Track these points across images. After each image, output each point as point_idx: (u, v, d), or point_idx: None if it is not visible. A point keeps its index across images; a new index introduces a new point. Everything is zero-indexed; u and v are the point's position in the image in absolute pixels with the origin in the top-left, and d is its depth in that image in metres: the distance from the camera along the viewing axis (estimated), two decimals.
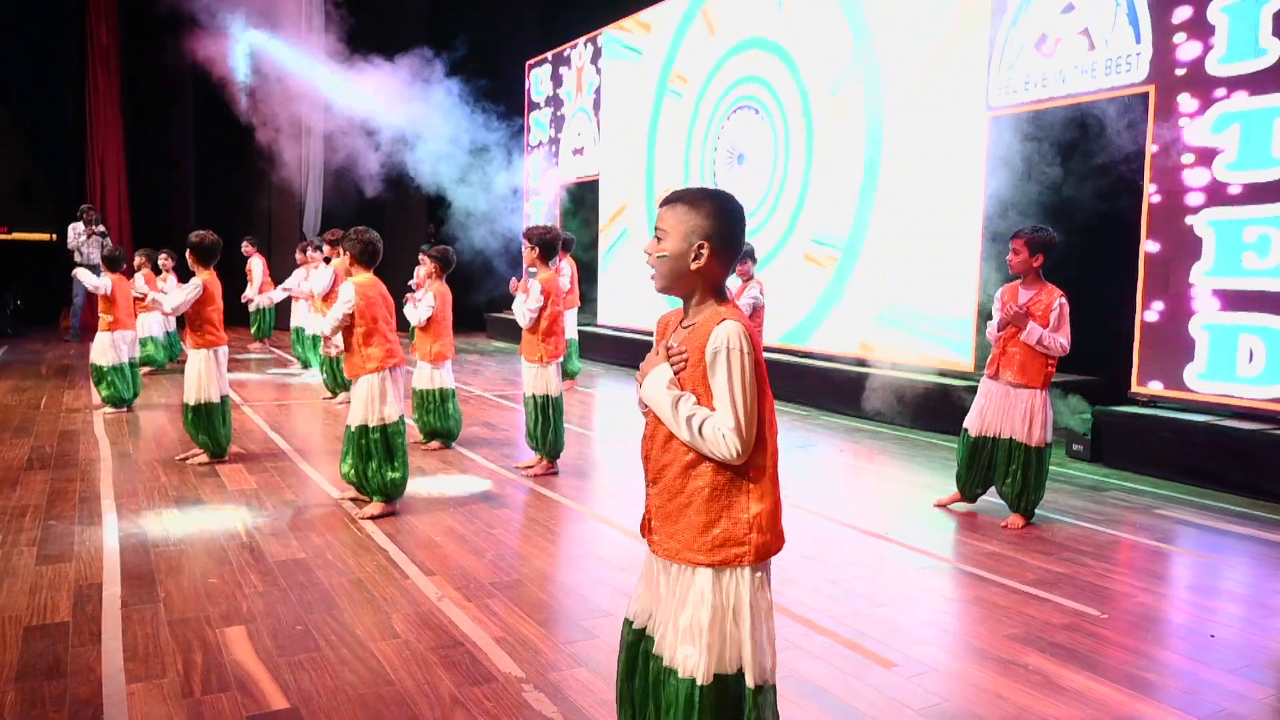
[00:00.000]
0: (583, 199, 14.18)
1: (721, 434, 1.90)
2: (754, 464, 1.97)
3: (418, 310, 6.47)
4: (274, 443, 6.69)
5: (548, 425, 5.85)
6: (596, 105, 13.38)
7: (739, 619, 1.98)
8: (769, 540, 2.00)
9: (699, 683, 1.97)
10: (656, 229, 2.04)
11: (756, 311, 6.38)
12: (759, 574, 2.01)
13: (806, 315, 9.46)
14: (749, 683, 1.99)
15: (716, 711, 1.98)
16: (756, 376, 1.94)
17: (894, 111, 8.43)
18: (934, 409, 7.65)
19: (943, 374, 7.86)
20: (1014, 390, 4.90)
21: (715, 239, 1.98)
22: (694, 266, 1.99)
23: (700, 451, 1.94)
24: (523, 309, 5.71)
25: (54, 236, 13.57)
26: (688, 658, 1.98)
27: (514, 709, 2.83)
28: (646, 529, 2.12)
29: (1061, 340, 4.74)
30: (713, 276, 2.02)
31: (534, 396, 5.84)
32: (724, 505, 1.97)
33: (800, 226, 9.58)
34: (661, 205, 2.06)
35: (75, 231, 12.48)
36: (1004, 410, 4.96)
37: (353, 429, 4.89)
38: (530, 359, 5.83)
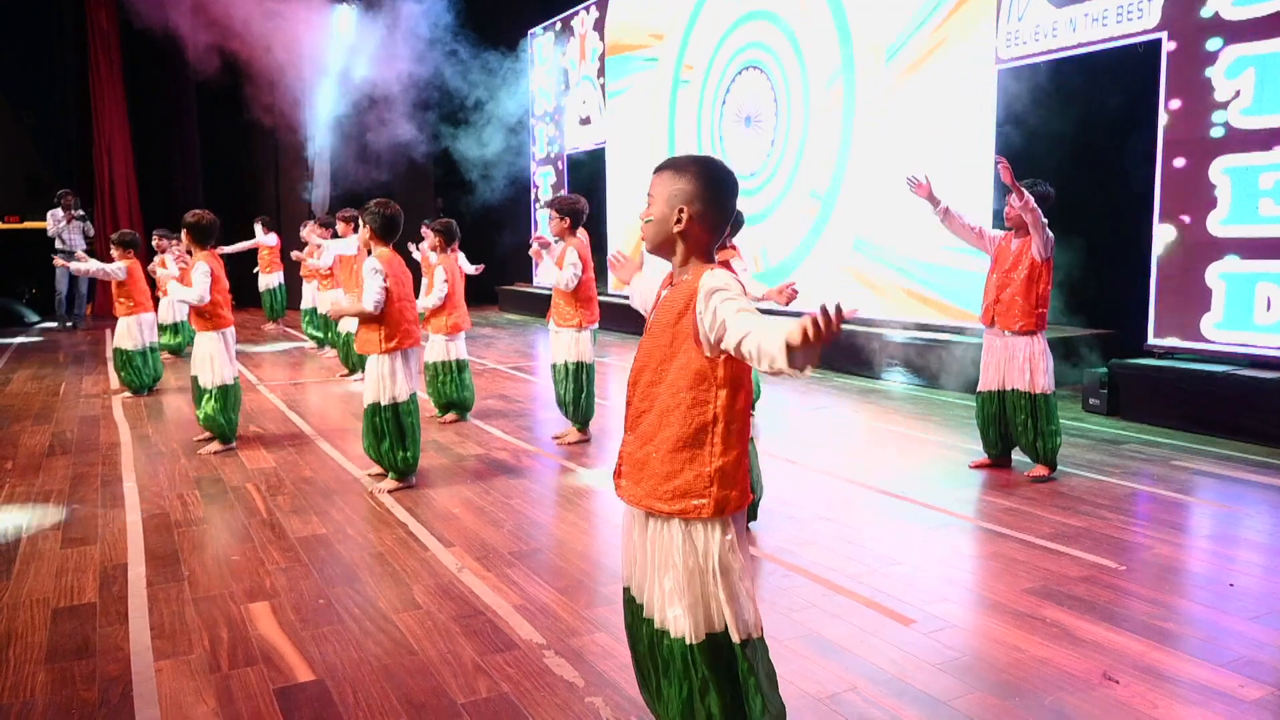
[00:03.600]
0: (589, 167, 14.09)
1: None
2: (727, 411, 1.99)
3: (431, 296, 6.41)
4: (291, 422, 6.74)
5: (580, 392, 5.87)
6: (601, 72, 13.27)
7: (715, 578, 2.02)
8: (730, 495, 2.01)
9: (689, 642, 2.02)
10: (648, 194, 2.10)
11: None
12: (729, 536, 2.03)
13: (812, 276, 9.42)
14: (734, 638, 2.03)
15: (712, 668, 2.03)
16: None
17: (901, 68, 8.32)
18: (945, 367, 7.62)
19: (954, 331, 7.83)
20: (1011, 339, 4.91)
21: (696, 203, 2.02)
22: (675, 230, 2.03)
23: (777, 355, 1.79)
24: (564, 274, 5.68)
25: None
26: (677, 619, 2.03)
27: (536, 674, 2.86)
28: (617, 474, 2.16)
29: (1046, 232, 4.72)
30: (697, 240, 2.05)
31: (565, 364, 5.85)
32: (688, 457, 1.99)
33: (797, 184, 9.52)
34: (653, 173, 2.11)
35: (54, 218, 12.37)
36: (1005, 361, 4.97)
37: (365, 407, 4.92)
38: (565, 324, 5.83)
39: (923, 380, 7.86)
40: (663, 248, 2.08)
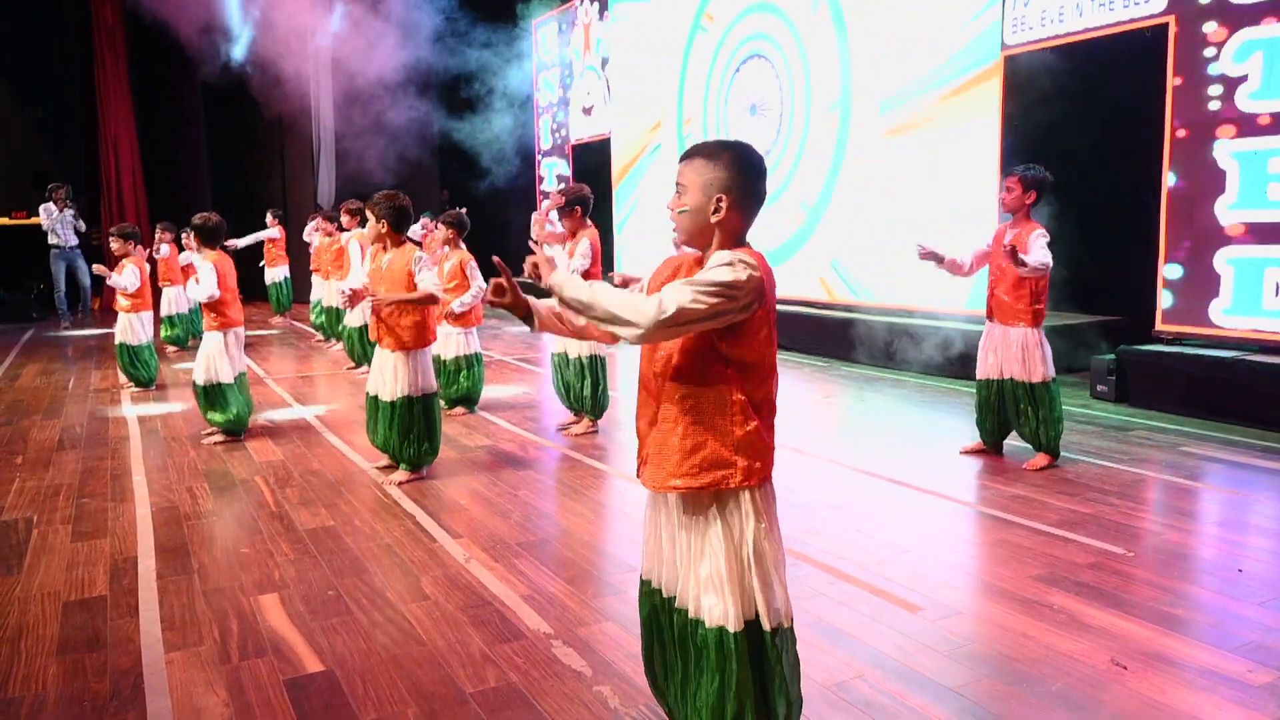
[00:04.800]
0: (594, 158, 14.06)
1: (650, 300, 1.85)
2: (743, 390, 1.98)
3: (471, 292, 6.33)
4: (299, 414, 6.76)
5: (596, 384, 5.90)
6: (604, 63, 13.23)
7: (750, 565, 2.01)
8: (755, 464, 1.99)
9: (730, 630, 2.00)
10: (677, 184, 2.05)
11: None
12: (763, 524, 2.02)
13: (819, 264, 9.40)
14: (765, 626, 2.02)
15: (750, 655, 2.02)
16: (736, 301, 1.89)
17: (906, 54, 8.28)
18: (952, 355, 7.59)
19: (961, 319, 7.80)
20: (1008, 331, 4.91)
21: (734, 190, 1.98)
22: (714, 220, 2.00)
23: (610, 319, 1.89)
24: (574, 263, 5.65)
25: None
26: (713, 607, 2.01)
27: (544, 663, 2.87)
28: (641, 465, 2.15)
29: (1037, 259, 4.65)
30: (732, 228, 2.02)
31: (579, 357, 5.88)
32: (708, 428, 1.98)
33: (796, 183, 9.49)
34: (681, 160, 2.06)
35: (47, 212, 12.25)
36: (1002, 351, 4.97)
37: (385, 400, 4.87)
38: None
39: (927, 368, 7.83)
40: (698, 238, 2.04)
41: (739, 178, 1.99)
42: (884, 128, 8.59)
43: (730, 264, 1.90)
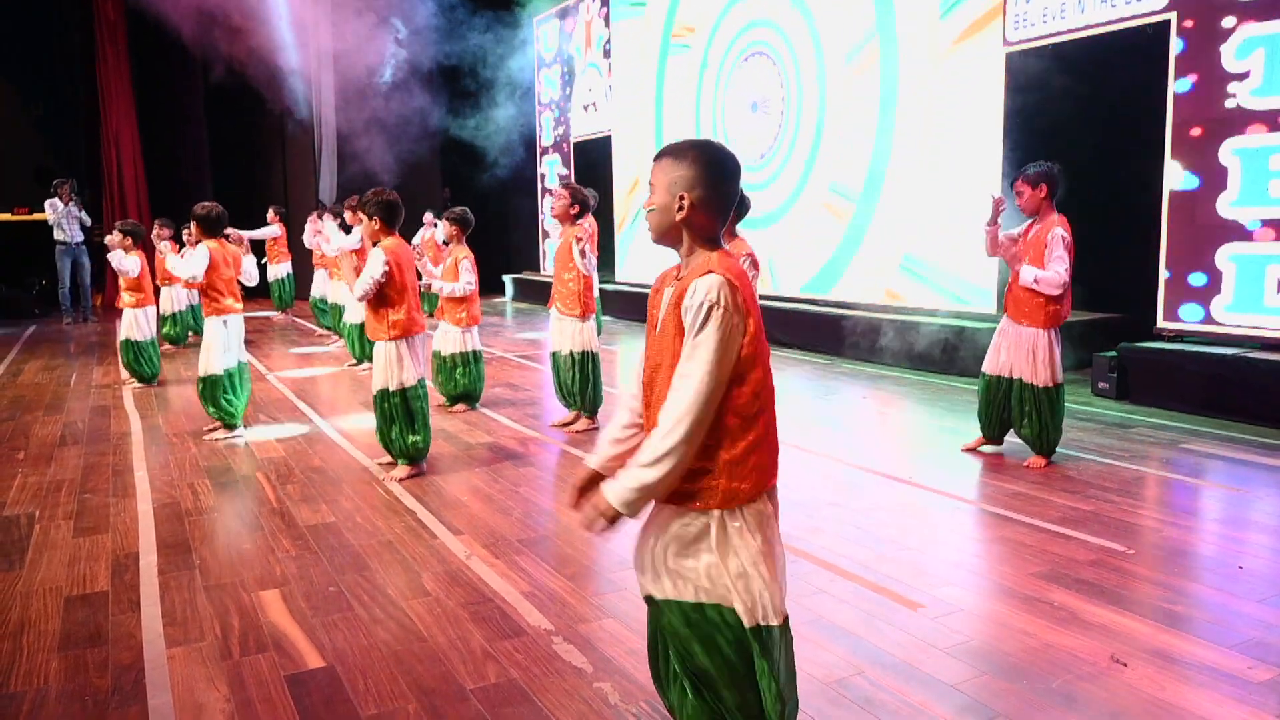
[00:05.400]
0: (596, 155, 14.05)
1: (682, 403, 1.88)
2: (734, 409, 1.95)
3: (459, 284, 6.36)
4: (300, 411, 6.76)
5: (586, 381, 5.94)
6: (607, 58, 13.21)
7: (725, 561, 1.98)
8: (740, 488, 1.96)
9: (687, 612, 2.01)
10: (649, 184, 2.06)
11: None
12: (737, 524, 1.98)
13: (826, 263, 9.39)
14: (744, 621, 1.99)
15: (725, 653, 1.99)
16: (737, 335, 1.91)
17: (909, 52, 8.27)
18: (955, 352, 7.59)
19: (964, 316, 7.80)
20: (1023, 330, 4.88)
21: (698, 188, 1.98)
22: (678, 218, 2.00)
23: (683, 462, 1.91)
24: (587, 261, 5.81)
25: None
26: (678, 591, 2.02)
27: (544, 660, 2.88)
28: None
29: (1052, 273, 4.65)
30: (701, 227, 2.01)
31: (571, 353, 5.91)
32: (699, 449, 1.94)
33: (816, 173, 9.47)
34: (653, 160, 2.07)
35: (53, 208, 12.24)
36: (1015, 349, 4.93)
37: (374, 393, 4.95)
38: (568, 312, 5.90)
39: (929, 364, 7.83)
40: (667, 237, 2.05)
41: (703, 175, 1.98)
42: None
43: (708, 308, 1.89)
